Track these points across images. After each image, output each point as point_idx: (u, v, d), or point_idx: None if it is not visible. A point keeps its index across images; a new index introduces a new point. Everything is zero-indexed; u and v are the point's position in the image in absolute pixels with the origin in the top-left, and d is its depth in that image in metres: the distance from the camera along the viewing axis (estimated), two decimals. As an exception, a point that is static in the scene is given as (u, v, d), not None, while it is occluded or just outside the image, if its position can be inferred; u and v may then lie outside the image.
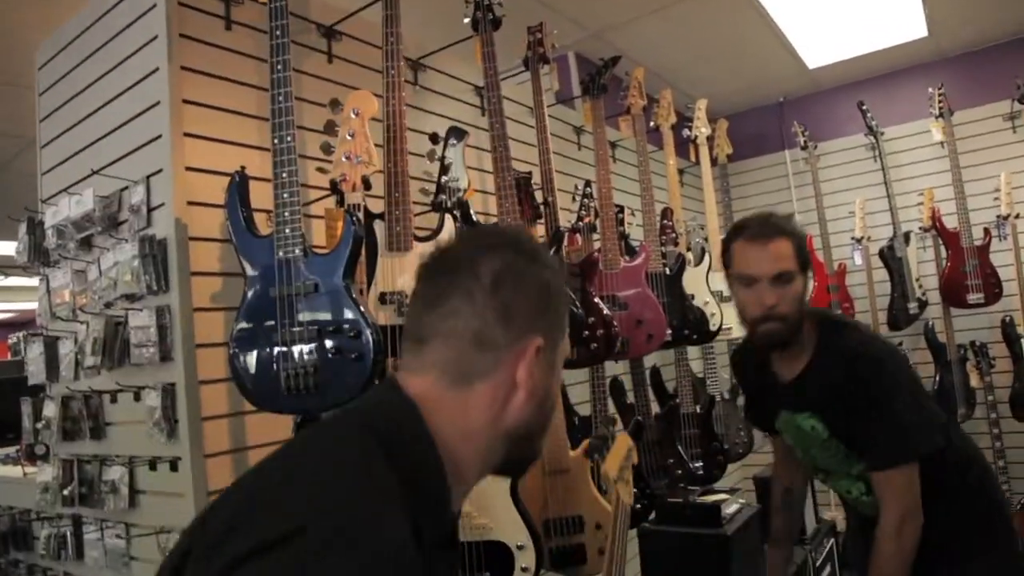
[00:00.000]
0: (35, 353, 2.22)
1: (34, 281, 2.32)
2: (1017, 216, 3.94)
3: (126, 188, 1.91)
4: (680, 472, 2.96)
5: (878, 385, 1.74)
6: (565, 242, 2.77)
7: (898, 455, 1.73)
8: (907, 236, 4.19)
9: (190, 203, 1.83)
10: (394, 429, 0.88)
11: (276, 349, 1.63)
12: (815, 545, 3.37)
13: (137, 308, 1.83)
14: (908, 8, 3.81)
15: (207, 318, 1.81)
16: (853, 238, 4.35)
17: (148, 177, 1.86)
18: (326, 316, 1.63)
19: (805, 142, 4.50)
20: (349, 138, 1.79)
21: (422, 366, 0.95)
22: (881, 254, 4.16)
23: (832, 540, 3.66)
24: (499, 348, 0.94)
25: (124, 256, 1.83)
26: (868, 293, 4.22)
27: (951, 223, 4.06)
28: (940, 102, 4.12)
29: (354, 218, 1.67)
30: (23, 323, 11.47)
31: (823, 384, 1.80)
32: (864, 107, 4.30)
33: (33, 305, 2.37)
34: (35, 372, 2.22)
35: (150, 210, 1.85)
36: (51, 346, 2.18)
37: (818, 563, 3.36)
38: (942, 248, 4.08)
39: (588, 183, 2.80)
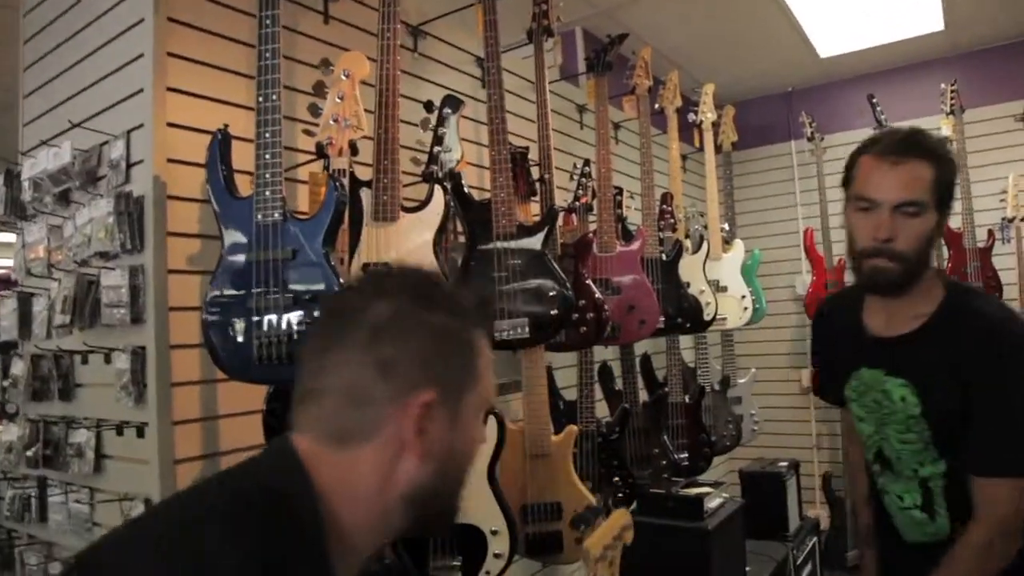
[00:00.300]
0: (8, 310, 2.16)
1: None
2: (1023, 219, 3.87)
3: (106, 143, 1.84)
4: (665, 462, 2.92)
5: (1017, 371, 1.43)
6: (560, 222, 2.72)
7: (1017, 463, 1.43)
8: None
9: (170, 160, 1.75)
10: (275, 496, 0.81)
11: (250, 316, 1.57)
12: (797, 543, 3.34)
13: (110, 267, 1.76)
14: (926, 0, 3.72)
15: (182, 280, 1.75)
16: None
17: (128, 132, 1.79)
18: (303, 284, 1.57)
19: (812, 133, 4.42)
20: (338, 100, 1.72)
21: (306, 423, 0.88)
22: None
23: (815, 538, 3.63)
24: (378, 404, 0.85)
25: (99, 212, 1.76)
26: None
27: (955, 223, 3.99)
28: (952, 99, 4.03)
29: (338, 184, 1.61)
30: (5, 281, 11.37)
31: (941, 350, 1.48)
32: (874, 100, 4.21)
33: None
34: (7, 329, 2.16)
35: (129, 166, 1.78)
36: (25, 303, 2.12)
37: (799, 561, 3.33)
38: (944, 249, 4.02)
39: (587, 162, 2.73)
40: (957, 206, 3.94)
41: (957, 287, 1.57)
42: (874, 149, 1.49)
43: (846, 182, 1.55)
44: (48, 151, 1.94)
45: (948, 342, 1.48)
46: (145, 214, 1.73)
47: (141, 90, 1.76)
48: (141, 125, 1.76)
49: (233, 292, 1.59)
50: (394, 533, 0.91)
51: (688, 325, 3.09)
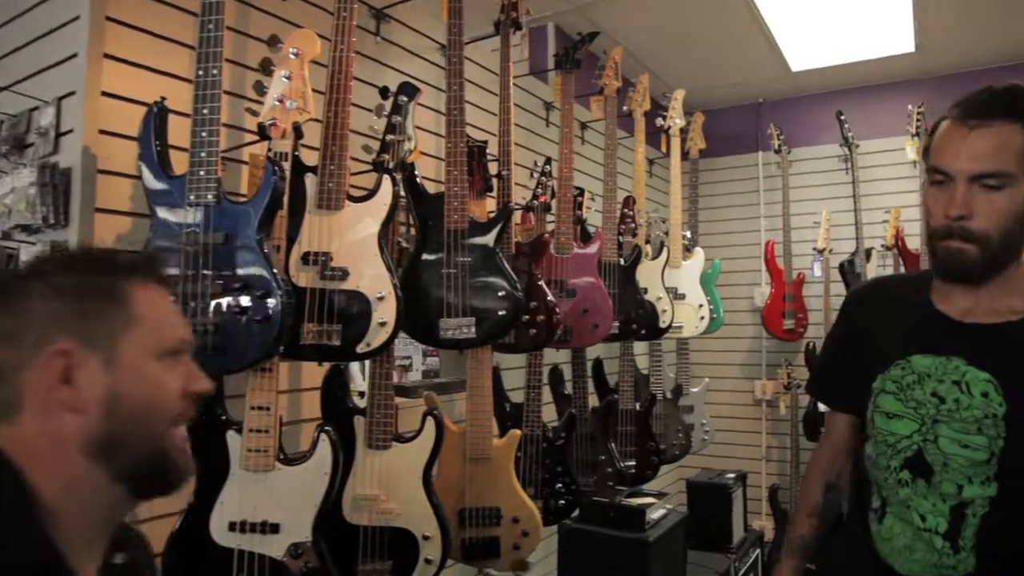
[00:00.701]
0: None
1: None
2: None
3: (36, 108, 1.74)
4: (611, 470, 2.87)
5: None
6: (518, 220, 2.66)
7: None
8: (868, 253, 4.13)
9: (103, 132, 1.66)
10: None
11: (176, 303, 1.48)
12: (740, 555, 3.33)
13: (31, 241, 1.66)
14: (899, 21, 3.72)
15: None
16: (815, 249, 4.28)
17: (60, 99, 1.68)
18: (233, 271, 1.49)
19: (779, 146, 4.42)
20: (285, 80, 1.64)
21: None
22: (841, 268, 4.09)
23: (758, 550, 3.63)
24: (13, 373, 0.84)
25: (21, 183, 1.66)
26: (823, 306, 4.15)
27: (914, 244, 4.01)
28: (919, 120, 4.05)
29: (276, 167, 1.53)
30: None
31: None
32: (842, 117, 4.22)
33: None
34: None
35: (58, 135, 1.68)
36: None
37: (741, 572, 3.32)
38: (902, 268, 4.04)
39: (548, 160, 2.67)
40: (917, 227, 3.97)
41: None
42: (956, 111, 1.29)
43: (926, 151, 1.35)
44: (-27, 114, 1.82)
45: None
46: (72, 187, 1.63)
47: (75, 55, 1.66)
48: (73, 92, 1.66)
49: (159, 275, 1.50)
50: (115, 500, 0.88)
51: (643, 332, 3.05)
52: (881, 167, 4.43)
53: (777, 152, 4.42)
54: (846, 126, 4.22)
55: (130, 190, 1.69)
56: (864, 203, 4.20)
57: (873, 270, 4.17)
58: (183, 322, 0.96)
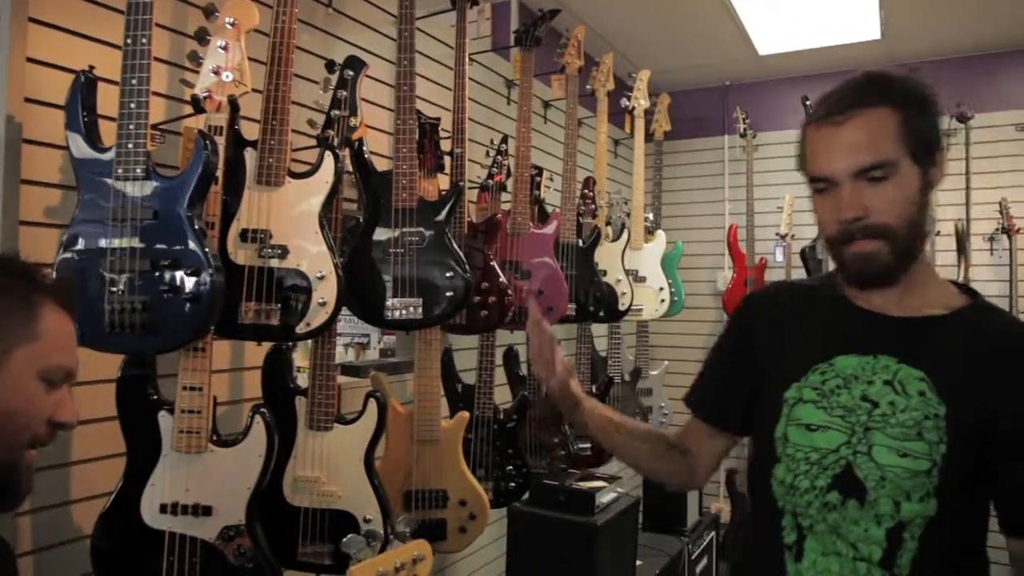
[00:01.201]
0: None
1: None
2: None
3: (-40, 74, 1.66)
4: (564, 452, 2.86)
5: None
6: (473, 199, 2.62)
7: None
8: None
9: (29, 100, 1.59)
10: None
11: (102, 280, 1.44)
12: (694, 538, 3.35)
13: (-46, 213, 1.59)
14: (865, 8, 3.71)
15: (35, 234, 1.59)
16: (778, 234, 4.30)
17: (-17, 65, 1.61)
18: (162, 248, 1.44)
19: (744, 129, 4.41)
20: (221, 51, 1.59)
21: None
22: (802, 254, 4.11)
23: (713, 533, 3.65)
24: None
25: (-58, 151, 1.59)
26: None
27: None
28: (881, 107, 4.05)
29: (207, 141, 1.47)
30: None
31: (978, 349, 1.16)
32: (807, 102, 4.20)
33: None
34: None
35: (-18, 103, 1.61)
36: None
37: (695, 555, 3.34)
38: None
39: (505, 139, 2.62)
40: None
41: (978, 295, 1.25)
42: (819, 112, 1.20)
43: (800, 164, 1.25)
44: None
45: (986, 344, 1.17)
46: (-5, 157, 1.56)
47: (-2, 19, 1.59)
48: (-4, 59, 1.59)
49: (86, 252, 1.45)
50: None
51: (601, 314, 3.03)
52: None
53: (743, 136, 4.41)
54: (811, 111, 4.22)
55: (59, 161, 1.63)
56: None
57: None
58: (75, 356, 1.01)
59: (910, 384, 1.15)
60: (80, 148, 1.47)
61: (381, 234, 1.97)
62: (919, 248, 1.19)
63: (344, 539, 1.32)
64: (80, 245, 1.45)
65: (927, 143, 1.17)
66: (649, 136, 3.99)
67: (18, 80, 1.57)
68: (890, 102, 1.15)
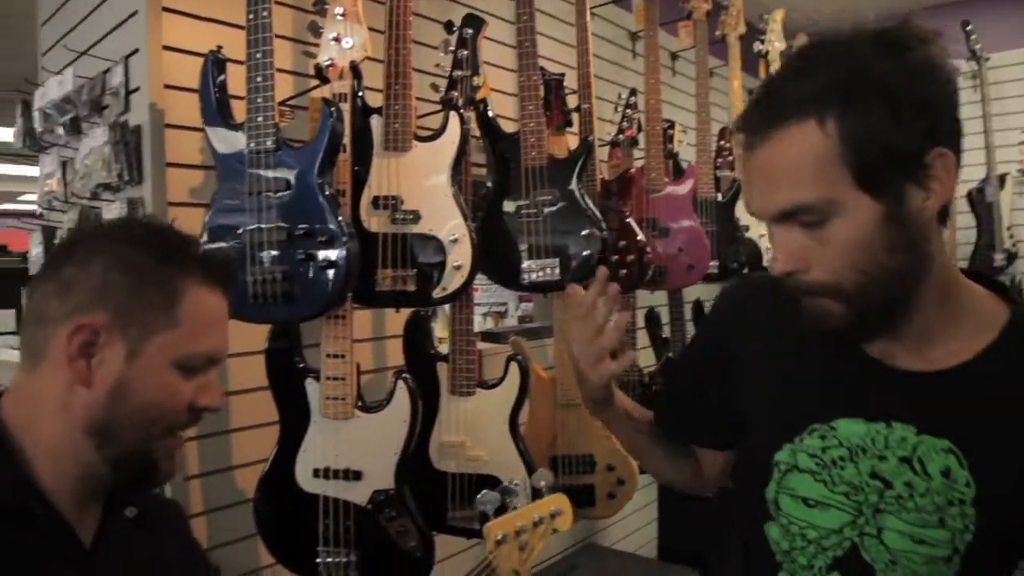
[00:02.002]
0: (35, 243, 2.13)
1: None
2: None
3: (108, 70, 1.75)
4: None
5: None
6: (604, 157, 2.54)
7: None
8: (1002, 179, 3.76)
9: (168, 87, 1.65)
10: None
11: (243, 252, 1.47)
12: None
13: (111, 199, 1.68)
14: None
15: (183, 214, 1.65)
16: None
17: (127, 57, 1.69)
18: (296, 218, 1.46)
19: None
20: (339, 18, 1.58)
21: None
22: (969, 196, 3.75)
23: None
24: (52, 322, 0.86)
25: (97, 143, 1.68)
26: (948, 239, 3.83)
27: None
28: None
29: (332, 108, 1.47)
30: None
31: (1018, 396, 0.89)
32: (969, 28, 3.83)
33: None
34: (34, 262, 2.13)
35: (128, 94, 1.69)
36: (49, 236, 2.07)
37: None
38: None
39: (633, 92, 2.52)
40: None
41: (1016, 301, 0.94)
42: (737, 126, 0.90)
43: None
44: (54, 80, 1.86)
45: None
46: (143, 144, 1.64)
47: (135, 12, 1.65)
48: (137, 50, 1.66)
49: (227, 226, 1.49)
50: (99, 476, 0.88)
51: (745, 271, 2.88)
52: (1015, 82, 4.01)
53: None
54: (973, 37, 3.83)
55: (199, 144, 1.69)
56: (996, 123, 3.81)
57: (1007, 197, 3.80)
58: (221, 340, 0.95)
59: (932, 462, 0.89)
60: (214, 125, 1.51)
61: (512, 196, 1.93)
62: (906, 290, 0.87)
63: (479, 496, 1.28)
64: (222, 219, 1.49)
65: (891, 160, 0.81)
66: (788, 81, 3.74)
67: (157, 68, 1.64)
68: (814, 111, 0.81)
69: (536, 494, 1.28)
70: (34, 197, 2.25)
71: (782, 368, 1.01)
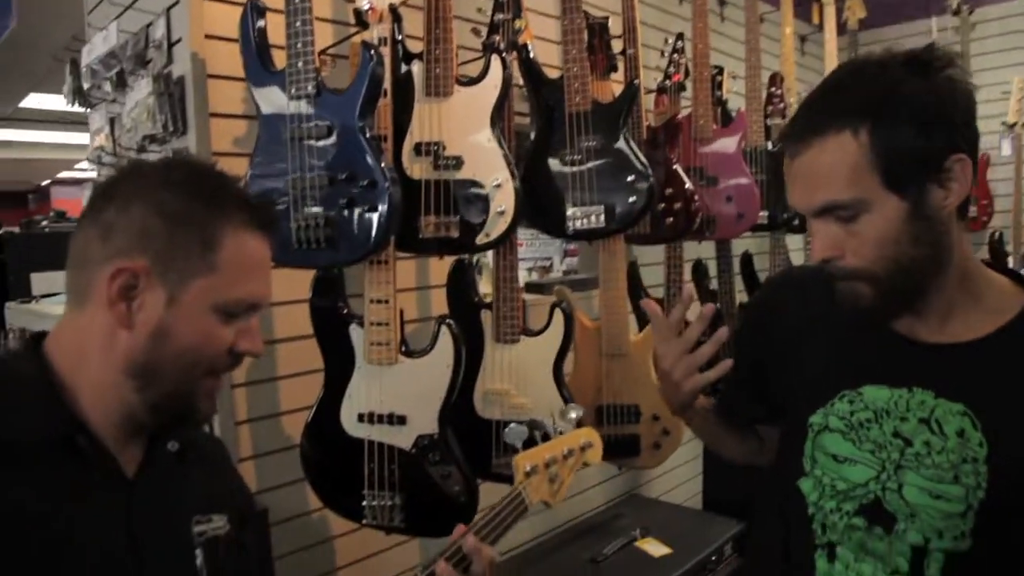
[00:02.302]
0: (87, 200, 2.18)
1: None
2: None
3: (151, 23, 1.76)
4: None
5: None
6: (650, 106, 2.49)
7: None
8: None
9: (209, 37, 1.65)
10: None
11: (286, 198, 1.48)
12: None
13: (156, 151, 1.71)
14: None
15: (228, 163, 1.64)
16: (1004, 123, 3.76)
17: (168, 9, 1.70)
18: (338, 163, 1.45)
19: (958, 5, 3.87)
20: (378, -40, 1.56)
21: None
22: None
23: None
24: (93, 264, 0.86)
25: (141, 95, 1.70)
26: (1014, 190, 3.67)
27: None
28: None
29: (371, 50, 1.46)
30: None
31: None
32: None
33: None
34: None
35: (170, 45, 1.70)
36: (100, 193, 2.11)
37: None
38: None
39: (680, 36, 2.45)
40: None
41: None
42: (782, 137, 1.07)
43: None
44: (99, 36, 1.88)
45: None
46: (186, 95, 1.65)
47: (176, -39, 1.66)
48: (178, 1, 1.66)
49: (270, 173, 1.50)
50: (139, 416, 0.90)
51: (795, 223, 2.80)
52: (997, 37, 3.81)
53: (955, 14, 3.88)
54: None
55: (241, 93, 1.69)
56: (977, 78, 3.62)
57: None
58: (263, 285, 0.95)
59: (948, 423, 1.01)
60: (255, 73, 1.51)
61: (556, 142, 1.90)
62: (930, 275, 1.00)
63: (507, 429, 1.28)
64: (265, 166, 1.50)
65: (915, 165, 0.94)
66: (841, 27, 3.61)
67: (198, 18, 1.64)
68: (849, 123, 0.95)
69: (566, 426, 1.29)
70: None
71: (816, 345, 1.14)
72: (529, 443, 1.28)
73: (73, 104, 2.07)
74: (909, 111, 0.93)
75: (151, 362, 0.87)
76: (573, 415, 1.32)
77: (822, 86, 1.03)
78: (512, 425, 1.28)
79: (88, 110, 2.10)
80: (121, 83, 1.90)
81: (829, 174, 0.96)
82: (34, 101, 6.17)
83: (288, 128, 1.47)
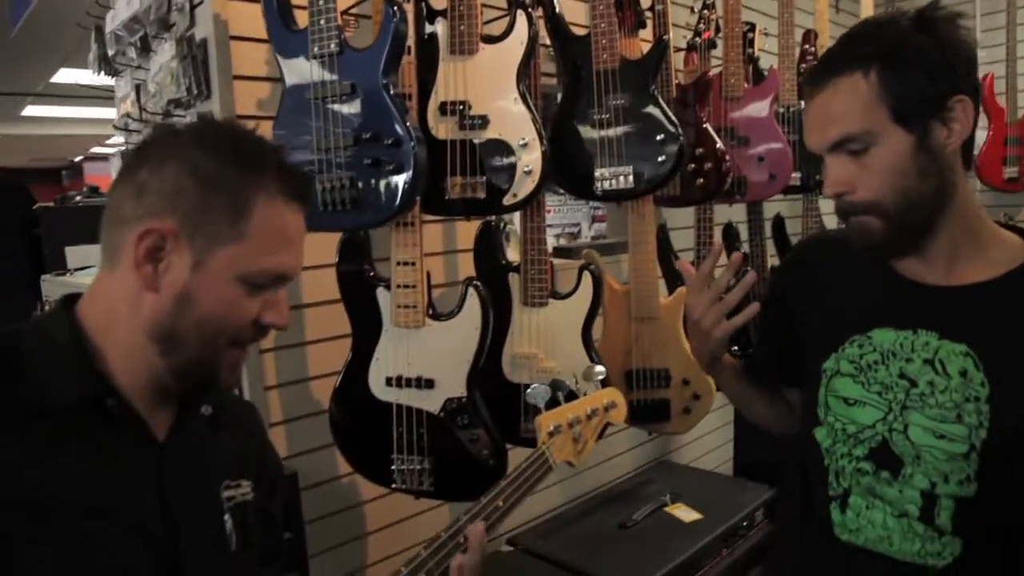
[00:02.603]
0: (115, 167, 2.18)
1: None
2: None
3: (173, -16, 1.74)
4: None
5: None
6: (680, 65, 2.43)
7: None
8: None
9: (231, -3, 1.64)
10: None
11: (311, 159, 1.46)
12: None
13: (181, 115, 1.70)
14: None
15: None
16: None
17: (190, -31, 1.68)
18: (362, 122, 1.43)
19: (1000, -40, 3.74)
20: (398, -85, 1.52)
21: None
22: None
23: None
24: (125, 224, 0.85)
25: (165, 59, 1.69)
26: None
27: None
28: None
29: (393, 6, 1.43)
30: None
31: None
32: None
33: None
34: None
35: (192, 8, 1.68)
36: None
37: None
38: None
39: (710, -8, 2.38)
40: None
41: None
42: (804, 81, 1.15)
43: None
44: (123, 1, 1.87)
45: None
46: (209, 58, 1.63)
47: (195, -81, 1.63)
48: (198, -39, 1.64)
49: (294, 133, 1.48)
50: (164, 381, 0.89)
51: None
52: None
53: (997, -32, 3.75)
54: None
55: (264, 55, 1.68)
56: None
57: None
58: (293, 256, 0.92)
59: (951, 362, 1.06)
60: (276, 32, 1.49)
61: (584, 101, 1.86)
62: (936, 212, 1.06)
63: (529, 390, 1.27)
64: (289, 127, 1.48)
65: (921, 102, 1.02)
66: (879, -19, 3.50)
67: (219, -24, 1.62)
68: (860, 65, 1.03)
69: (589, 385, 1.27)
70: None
71: (829, 297, 1.20)
72: (552, 403, 1.26)
73: (99, 73, 2.06)
74: (916, 59, 1.01)
75: (175, 327, 0.85)
76: (596, 375, 1.30)
77: (838, 41, 1.09)
78: (534, 385, 1.26)
79: (114, 78, 2.10)
80: (145, 48, 1.89)
81: (842, 110, 1.03)
82: (65, 76, 6.21)
83: (311, 88, 1.45)
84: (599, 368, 1.30)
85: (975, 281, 1.07)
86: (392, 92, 1.43)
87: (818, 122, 1.06)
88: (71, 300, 0.90)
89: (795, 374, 1.27)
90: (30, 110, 7.89)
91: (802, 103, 2.64)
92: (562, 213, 3.21)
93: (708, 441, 2.95)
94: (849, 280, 1.18)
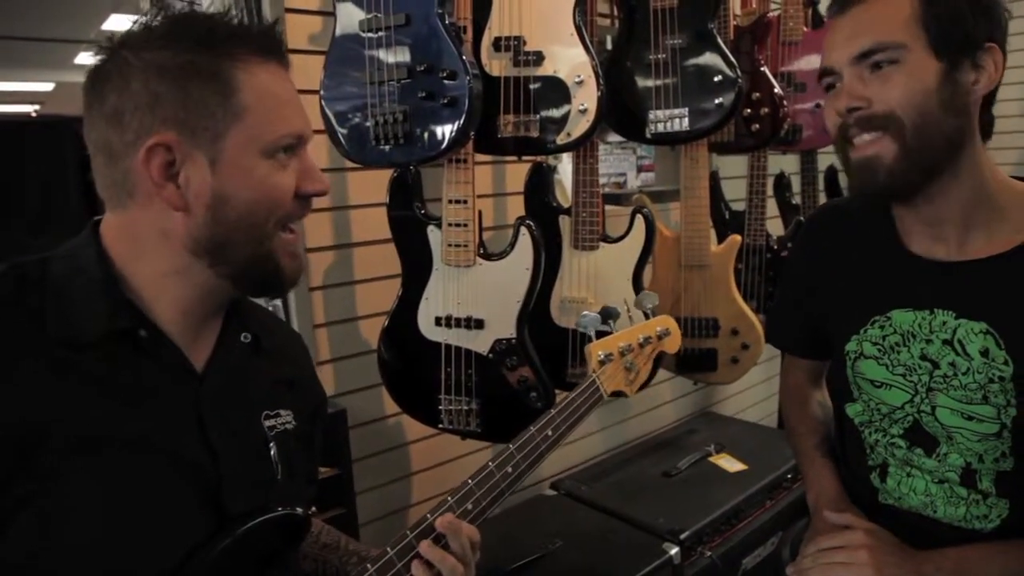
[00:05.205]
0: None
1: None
2: None
3: (224, -86, 1.71)
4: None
5: None
6: (738, 9, 2.34)
7: None
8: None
9: (281, -75, 1.60)
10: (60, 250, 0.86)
11: (364, 93, 1.44)
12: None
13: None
14: None
15: (303, 61, 1.63)
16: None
17: None
18: (416, 54, 1.40)
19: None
20: None
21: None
22: None
23: None
24: (123, 157, 0.80)
25: (216, -10, 1.66)
26: None
27: None
28: None
29: (451, -67, 1.38)
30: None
31: None
32: None
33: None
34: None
35: (245, -62, 1.65)
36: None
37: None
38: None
39: (772, -70, 2.28)
40: None
41: None
42: (831, 7, 1.05)
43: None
44: (173, -70, 1.84)
45: None
46: (261, -10, 1.60)
47: None
48: None
49: (347, 67, 1.45)
50: (219, 290, 0.87)
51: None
52: None
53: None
54: None
55: (316, -13, 1.64)
56: None
57: None
58: (299, 115, 0.86)
59: (971, 342, 1.02)
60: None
61: (639, 40, 1.80)
62: (947, 152, 0.98)
63: (579, 319, 1.25)
64: (341, 61, 1.45)
65: (959, 34, 0.96)
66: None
67: (271, -96, 1.58)
68: None
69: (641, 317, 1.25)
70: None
71: (846, 276, 1.17)
72: (603, 332, 1.23)
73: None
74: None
75: (218, 233, 0.82)
76: (648, 304, 1.27)
77: None
78: (585, 313, 1.23)
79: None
80: (195, -16, 1.87)
81: (880, 20, 0.97)
82: (116, 22, 6.25)
83: (365, 19, 1.42)
84: (652, 294, 1.27)
85: (991, 254, 1.02)
86: (447, 22, 1.40)
87: (851, 31, 0.99)
88: (98, 225, 0.86)
89: (813, 349, 1.29)
90: (82, 58, 7.95)
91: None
92: (607, 162, 3.14)
93: (753, 394, 2.92)
94: (863, 259, 1.15)
